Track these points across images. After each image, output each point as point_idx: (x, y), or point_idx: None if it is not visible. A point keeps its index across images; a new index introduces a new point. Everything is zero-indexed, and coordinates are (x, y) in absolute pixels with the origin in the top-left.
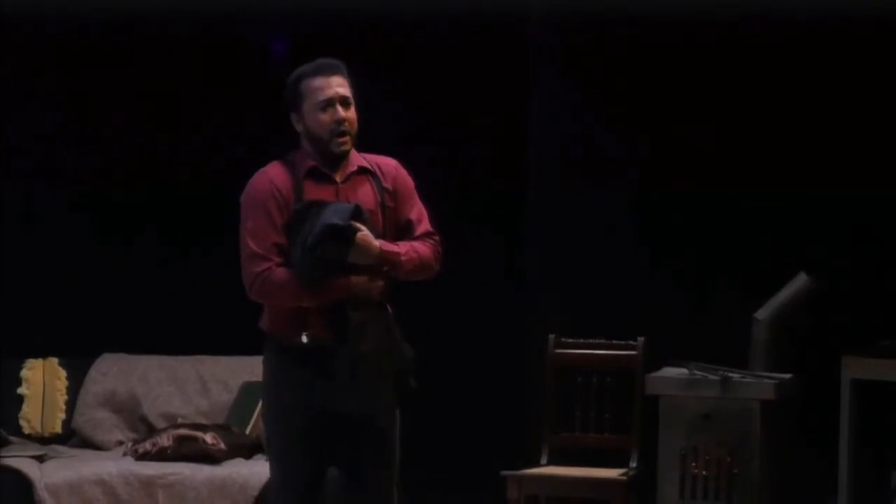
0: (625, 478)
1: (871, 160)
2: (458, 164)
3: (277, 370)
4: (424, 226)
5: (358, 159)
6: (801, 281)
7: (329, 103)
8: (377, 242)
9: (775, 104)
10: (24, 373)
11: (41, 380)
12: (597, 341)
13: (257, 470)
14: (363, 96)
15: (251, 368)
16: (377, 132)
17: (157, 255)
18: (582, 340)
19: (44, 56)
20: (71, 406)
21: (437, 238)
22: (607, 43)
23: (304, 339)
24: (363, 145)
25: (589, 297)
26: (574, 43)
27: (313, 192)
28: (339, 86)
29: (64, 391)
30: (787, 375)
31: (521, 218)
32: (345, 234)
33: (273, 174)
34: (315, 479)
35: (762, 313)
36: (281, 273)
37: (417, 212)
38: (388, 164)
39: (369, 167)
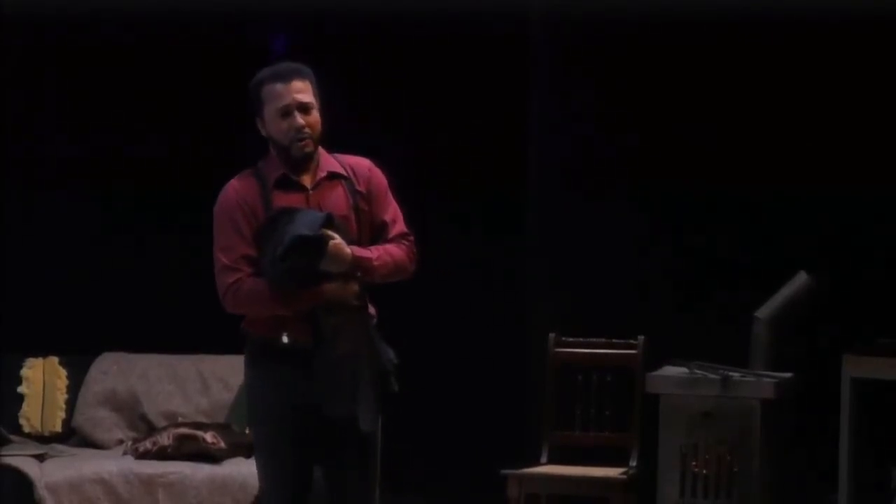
0: (625, 476)
1: (872, 159)
2: (458, 163)
3: (260, 370)
4: (399, 227)
5: (329, 163)
6: (801, 280)
7: (287, 111)
8: (349, 249)
9: (775, 103)
10: (25, 371)
11: (41, 378)
12: (597, 340)
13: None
14: (363, 97)
15: None
16: (377, 133)
17: (158, 254)
18: (582, 339)
19: (44, 56)
20: (71, 405)
21: (411, 239)
22: (607, 43)
23: (285, 339)
24: (363, 147)
25: (589, 296)
26: (574, 43)
27: (282, 200)
28: (297, 91)
29: (64, 390)
30: (788, 374)
31: (521, 217)
32: (315, 245)
33: (239, 185)
34: (303, 477)
35: (762, 312)
36: (252, 283)
37: (392, 213)
38: (361, 166)
39: (341, 171)
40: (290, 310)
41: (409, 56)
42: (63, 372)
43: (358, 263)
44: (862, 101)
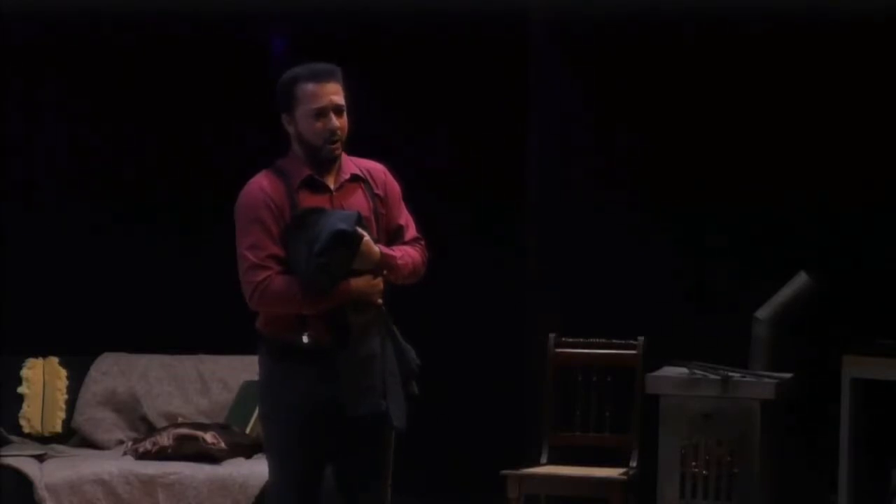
0: (625, 477)
1: (871, 161)
2: (458, 164)
3: (277, 371)
4: (412, 231)
5: (350, 166)
6: (801, 280)
7: (323, 112)
8: (377, 248)
9: (776, 105)
10: (25, 372)
11: (41, 379)
12: (597, 340)
13: (257, 469)
14: (363, 98)
15: (251, 367)
16: (378, 134)
17: (158, 254)
18: (582, 340)
19: (43, 56)
20: (71, 405)
21: (423, 243)
22: (607, 43)
23: (305, 339)
24: (363, 148)
25: (589, 297)
26: (574, 44)
27: (309, 200)
28: (333, 93)
29: (64, 390)
30: (787, 375)
31: (521, 217)
32: (352, 240)
33: (265, 184)
34: (315, 478)
35: (762, 313)
36: (281, 281)
37: (405, 217)
38: (377, 170)
39: (361, 174)
40: (318, 308)
41: (407, 56)
42: (63, 372)
43: (385, 261)
44: (863, 105)
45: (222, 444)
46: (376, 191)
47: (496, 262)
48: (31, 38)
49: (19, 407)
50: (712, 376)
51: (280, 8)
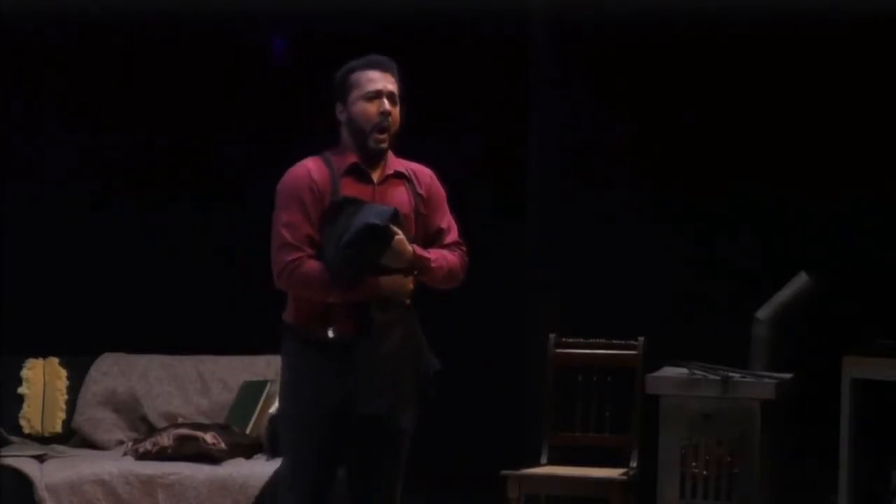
0: (625, 477)
1: (871, 160)
2: (458, 163)
3: (299, 364)
4: (453, 235)
5: (395, 163)
6: (801, 280)
7: (376, 95)
8: (410, 247)
9: (776, 103)
10: (25, 372)
11: (41, 379)
12: (597, 341)
13: (257, 470)
14: None
15: (251, 368)
16: None
17: (157, 254)
18: (582, 340)
19: (43, 56)
20: (71, 405)
21: (464, 248)
22: (607, 43)
23: (331, 333)
24: None
25: (589, 297)
26: (574, 43)
27: (350, 189)
28: (388, 82)
29: (64, 391)
30: (788, 375)
31: (521, 218)
32: (383, 236)
33: (311, 166)
34: (326, 475)
35: (762, 313)
36: (311, 265)
37: (448, 221)
38: (423, 172)
39: (405, 172)
40: (343, 299)
41: (407, 57)
42: (63, 373)
43: (417, 262)
44: (863, 104)
45: (222, 445)
46: (419, 190)
47: (496, 262)
48: (31, 38)
49: (19, 407)
50: (712, 376)
51: (280, 8)
